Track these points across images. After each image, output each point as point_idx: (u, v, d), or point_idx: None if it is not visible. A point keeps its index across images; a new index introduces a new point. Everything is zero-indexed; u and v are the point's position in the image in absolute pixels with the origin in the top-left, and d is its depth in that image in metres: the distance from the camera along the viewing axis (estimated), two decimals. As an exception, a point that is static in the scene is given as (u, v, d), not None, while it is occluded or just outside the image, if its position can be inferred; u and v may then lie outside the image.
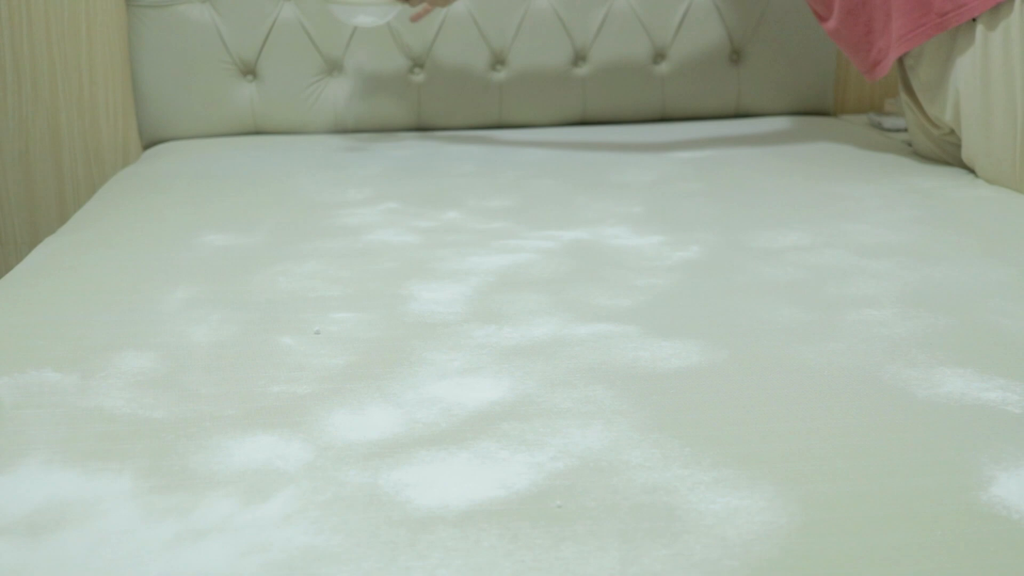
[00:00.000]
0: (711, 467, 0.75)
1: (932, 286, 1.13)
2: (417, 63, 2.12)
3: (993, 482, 0.73)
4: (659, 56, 2.18)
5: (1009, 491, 0.72)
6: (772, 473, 0.74)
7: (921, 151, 1.80)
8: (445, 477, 0.74)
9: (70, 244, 1.34)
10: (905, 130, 2.15)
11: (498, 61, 2.14)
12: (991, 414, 0.83)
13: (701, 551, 0.65)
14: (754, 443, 0.79)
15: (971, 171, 1.66)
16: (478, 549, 0.66)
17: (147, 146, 2.11)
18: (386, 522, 0.69)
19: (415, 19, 1.89)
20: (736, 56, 2.20)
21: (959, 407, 0.85)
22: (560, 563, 0.65)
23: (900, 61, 1.70)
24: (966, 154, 1.63)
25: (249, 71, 2.09)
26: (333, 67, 2.10)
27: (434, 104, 2.13)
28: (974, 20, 1.53)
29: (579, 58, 2.16)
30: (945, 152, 1.74)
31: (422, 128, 2.15)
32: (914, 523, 0.68)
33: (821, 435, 0.80)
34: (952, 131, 1.68)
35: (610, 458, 0.77)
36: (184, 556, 0.65)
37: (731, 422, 0.83)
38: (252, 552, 0.66)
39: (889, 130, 2.16)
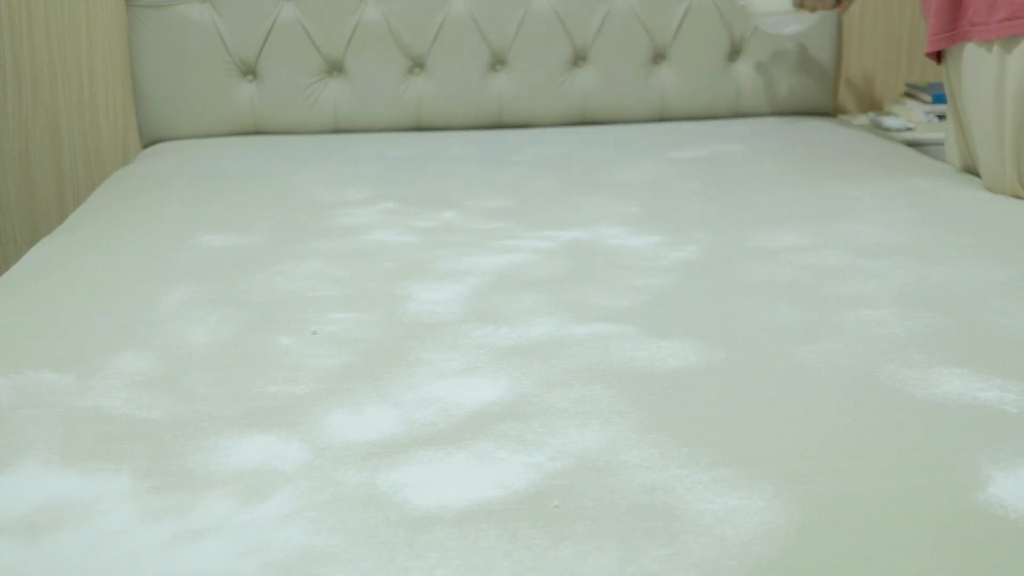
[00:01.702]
0: (709, 467, 0.75)
1: (930, 286, 1.14)
2: (417, 63, 2.12)
3: (990, 482, 0.73)
4: (659, 56, 2.18)
5: (1007, 491, 0.72)
6: (770, 473, 0.74)
7: (951, 159, 1.75)
8: (443, 477, 0.74)
9: (67, 244, 1.34)
10: (903, 130, 2.15)
11: (498, 61, 2.14)
12: (988, 414, 0.83)
13: (699, 551, 0.66)
14: (752, 443, 0.79)
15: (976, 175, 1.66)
16: (476, 549, 0.66)
17: (147, 146, 2.11)
18: (384, 522, 0.69)
19: (841, 12, 1.95)
20: (736, 56, 2.20)
21: (956, 407, 0.85)
22: (558, 563, 0.65)
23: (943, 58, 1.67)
24: (972, 163, 1.64)
25: (249, 71, 2.09)
26: (333, 67, 2.10)
27: (434, 104, 2.13)
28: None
29: (579, 58, 2.16)
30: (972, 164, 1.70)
31: (421, 128, 2.15)
32: (912, 523, 0.68)
33: (819, 435, 0.80)
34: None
35: (608, 458, 0.77)
36: (182, 556, 0.65)
37: (729, 422, 0.83)
38: (250, 552, 0.66)
39: (889, 130, 2.16)
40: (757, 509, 0.70)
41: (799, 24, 1.95)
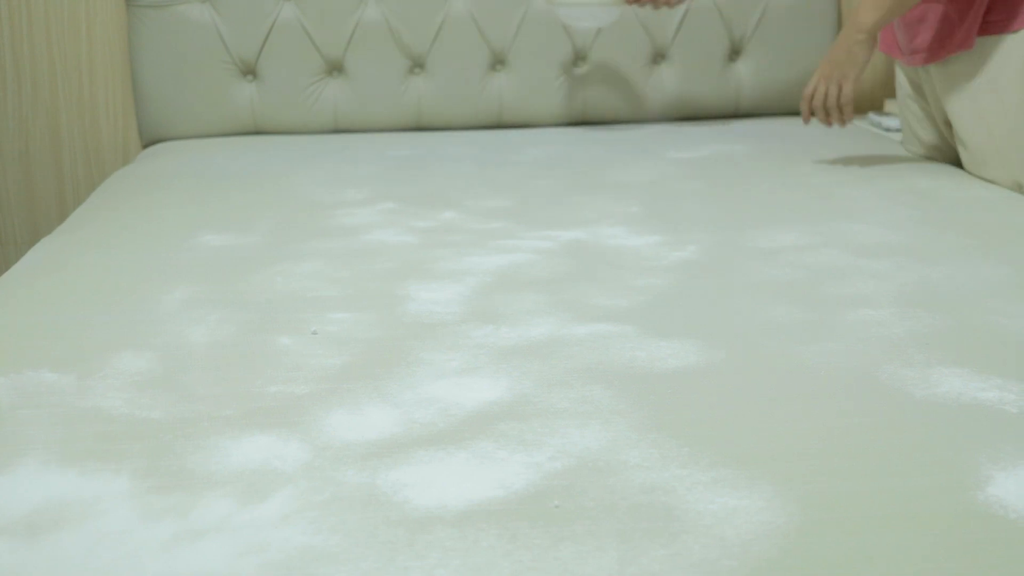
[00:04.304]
0: (709, 467, 0.75)
1: (929, 286, 1.14)
2: (417, 63, 2.12)
3: (990, 482, 0.73)
4: (659, 56, 2.18)
5: (1006, 491, 0.72)
6: (770, 473, 0.74)
7: (911, 149, 1.86)
8: (443, 477, 0.74)
9: (67, 244, 1.34)
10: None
11: (498, 61, 2.14)
12: (988, 414, 0.83)
13: (699, 551, 0.66)
14: (752, 443, 0.79)
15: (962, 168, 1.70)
16: (476, 549, 0.66)
17: (147, 146, 2.11)
18: (384, 522, 0.69)
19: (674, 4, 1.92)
20: (736, 56, 2.20)
21: (956, 407, 0.85)
22: (558, 563, 0.65)
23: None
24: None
25: (249, 71, 2.09)
26: (333, 67, 2.10)
27: (434, 104, 2.13)
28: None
29: (579, 58, 2.16)
30: (941, 154, 1.79)
31: (421, 128, 2.15)
32: (912, 523, 0.68)
33: (819, 435, 0.80)
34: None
35: (608, 458, 0.77)
36: (182, 556, 0.65)
37: (729, 422, 0.83)
38: (250, 552, 0.66)
39: (889, 130, 2.16)
40: (757, 509, 0.70)
41: (598, 20, 1.85)
